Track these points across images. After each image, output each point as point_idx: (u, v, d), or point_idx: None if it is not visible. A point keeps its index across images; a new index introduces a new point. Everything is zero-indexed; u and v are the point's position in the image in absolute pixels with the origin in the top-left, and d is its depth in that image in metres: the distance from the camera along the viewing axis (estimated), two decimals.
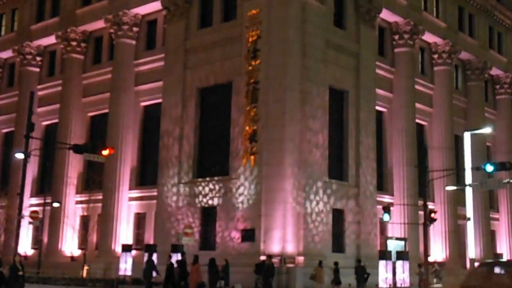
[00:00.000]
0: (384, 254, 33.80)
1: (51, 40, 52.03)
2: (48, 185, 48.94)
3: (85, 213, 46.19)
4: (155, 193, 41.66)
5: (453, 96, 51.13)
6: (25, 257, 45.48)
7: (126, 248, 38.46)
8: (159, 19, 45.54)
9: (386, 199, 43.58)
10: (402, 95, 46.03)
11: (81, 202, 47.21)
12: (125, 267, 37.64)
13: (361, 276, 33.05)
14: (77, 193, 48.04)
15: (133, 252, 39.51)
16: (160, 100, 43.06)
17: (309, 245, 35.68)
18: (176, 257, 32.77)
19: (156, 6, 44.68)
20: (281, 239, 35.08)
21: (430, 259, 42.68)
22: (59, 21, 51.20)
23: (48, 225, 47.56)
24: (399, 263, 33.53)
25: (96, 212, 45.22)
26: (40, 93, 51.70)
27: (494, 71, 56.83)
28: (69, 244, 47.10)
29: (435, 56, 50.33)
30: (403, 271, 33.39)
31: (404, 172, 44.69)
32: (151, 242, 40.20)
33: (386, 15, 45.41)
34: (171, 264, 30.47)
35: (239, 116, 37.83)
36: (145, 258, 33.19)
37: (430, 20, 49.08)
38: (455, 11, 52.33)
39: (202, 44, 41.01)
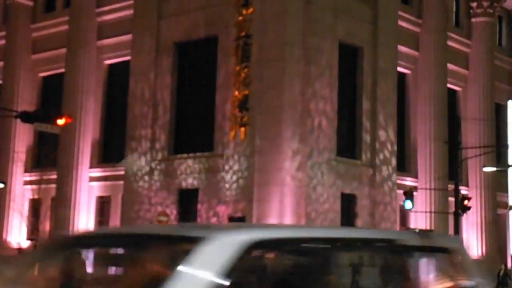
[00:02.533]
0: None
1: None
2: None
3: (36, 196, 46.60)
4: (122, 173, 42.20)
5: (495, 55, 51.51)
6: None
7: None
8: None
9: (408, 182, 44.20)
10: (430, 53, 46.32)
11: (30, 182, 47.77)
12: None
13: None
14: (25, 171, 48.59)
15: None
16: (128, 58, 43.32)
17: None
18: None
19: None
20: None
21: None
22: None
23: None
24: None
25: (49, 195, 45.73)
26: None
27: None
28: (16, 234, 47.75)
29: (474, 4, 50.55)
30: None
31: (431, 149, 45.19)
32: None
33: None
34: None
35: (226, 78, 38.19)
36: None
37: None
38: None
39: None
